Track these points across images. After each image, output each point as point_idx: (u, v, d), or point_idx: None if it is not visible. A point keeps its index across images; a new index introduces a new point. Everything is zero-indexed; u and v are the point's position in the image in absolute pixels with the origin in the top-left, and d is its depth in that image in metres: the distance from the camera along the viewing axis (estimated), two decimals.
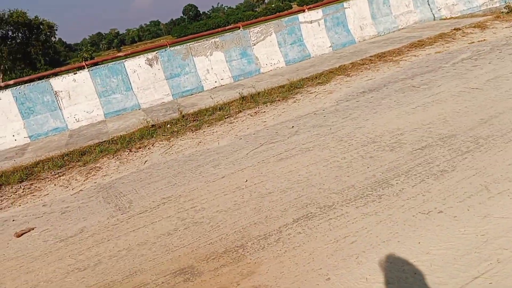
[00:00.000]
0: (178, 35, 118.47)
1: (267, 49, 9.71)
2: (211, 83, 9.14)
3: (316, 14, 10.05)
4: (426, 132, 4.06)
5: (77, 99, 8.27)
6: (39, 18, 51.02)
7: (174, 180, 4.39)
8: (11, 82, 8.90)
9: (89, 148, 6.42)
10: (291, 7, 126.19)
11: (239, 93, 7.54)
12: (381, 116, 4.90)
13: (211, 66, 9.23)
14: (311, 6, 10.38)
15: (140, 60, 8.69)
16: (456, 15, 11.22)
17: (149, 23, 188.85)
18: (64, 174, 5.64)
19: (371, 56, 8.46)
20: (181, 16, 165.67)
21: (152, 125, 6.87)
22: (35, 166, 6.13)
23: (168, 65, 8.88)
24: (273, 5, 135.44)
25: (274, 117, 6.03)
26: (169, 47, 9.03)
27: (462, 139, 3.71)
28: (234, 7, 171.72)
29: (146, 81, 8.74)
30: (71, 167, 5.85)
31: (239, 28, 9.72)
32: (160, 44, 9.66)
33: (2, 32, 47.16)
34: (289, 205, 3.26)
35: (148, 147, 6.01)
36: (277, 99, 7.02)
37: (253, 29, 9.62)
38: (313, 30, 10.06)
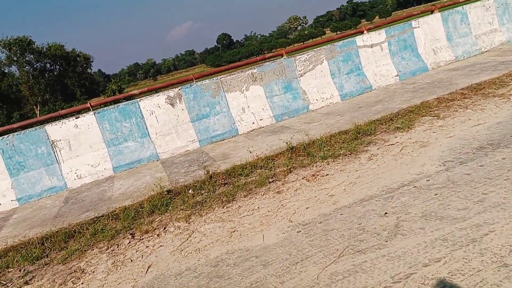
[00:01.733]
0: (212, 63, 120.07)
1: (317, 81, 7.75)
2: (247, 125, 7.23)
3: (377, 36, 8.04)
4: None
5: (80, 149, 6.54)
6: (76, 50, 51.91)
7: None
8: None
9: (80, 227, 4.58)
10: (325, 33, 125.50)
11: (286, 142, 5.57)
12: None
13: (248, 103, 7.35)
14: (371, 26, 8.38)
15: (160, 98, 6.92)
16: None
17: (184, 53, 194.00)
18: (33, 277, 3.78)
19: (461, 89, 6.31)
20: (215, 45, 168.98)
21: (168, 191, 4.99)
22: (5, 255, 4.38)
23: (194, 103, 7.07)
24: (306, 32, 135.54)
25: (345, 187, 3.98)
26: (195, 81, 7.24)
27: None
28: (267, 34, 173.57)
29: (167, 124, 6.94)
30: (47, 264, 4.00)
31: (282, 55, 7.84)
32: (185, 78, 7.89)
33: (40, 65, 48.04)
34: None
35: (157, 231, 4.08)
36: (341, 152, 4.98)
37: (299, 56, 7.72)
38: (374, 56, 8.03)
